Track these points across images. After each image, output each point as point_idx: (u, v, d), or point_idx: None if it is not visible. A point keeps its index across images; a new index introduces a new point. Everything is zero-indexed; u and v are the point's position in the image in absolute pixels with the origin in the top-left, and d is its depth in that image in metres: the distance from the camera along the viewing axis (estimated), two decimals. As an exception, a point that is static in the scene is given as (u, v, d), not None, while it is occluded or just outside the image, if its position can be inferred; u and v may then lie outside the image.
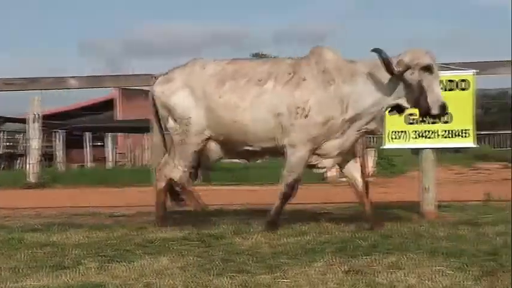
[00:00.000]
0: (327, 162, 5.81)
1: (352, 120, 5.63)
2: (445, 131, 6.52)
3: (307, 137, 5.65)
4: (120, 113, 32.39)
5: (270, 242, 5.05)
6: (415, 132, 6.57)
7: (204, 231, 5.54)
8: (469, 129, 6.51)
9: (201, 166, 6.39)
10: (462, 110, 6.47)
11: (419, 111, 5.60)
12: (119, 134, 29.18)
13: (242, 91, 5.81)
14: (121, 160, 26.74)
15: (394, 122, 6.52)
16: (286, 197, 5.81)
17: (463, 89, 6.53)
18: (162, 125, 6.22)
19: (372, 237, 5.03)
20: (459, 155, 21.31)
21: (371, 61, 5.63)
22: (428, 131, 6.54)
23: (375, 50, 5.46)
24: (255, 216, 6.22)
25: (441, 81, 6.07)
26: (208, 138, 5.95)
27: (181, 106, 5.96)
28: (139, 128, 21.85)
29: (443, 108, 5.46)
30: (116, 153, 27.65)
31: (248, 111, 5.76)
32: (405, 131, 6.58)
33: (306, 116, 5.63)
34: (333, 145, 5.69)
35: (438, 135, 6.53)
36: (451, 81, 6.52)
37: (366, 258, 4.26)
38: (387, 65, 5.40)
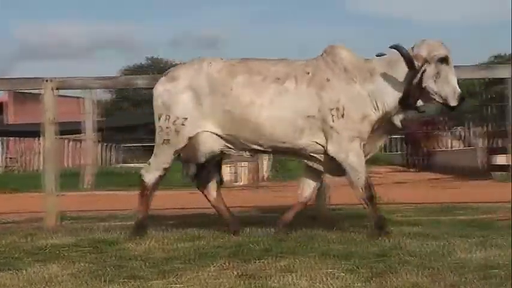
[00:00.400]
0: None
1: (381, 118, 5.55)
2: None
3: (352, 134, 5.48)
4: (11, 117, 31.46)
5: (164, 247, 4.99)
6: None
7: (96, 236, 5.42)
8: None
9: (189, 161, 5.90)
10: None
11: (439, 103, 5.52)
12: (10, 138, 28.22)
13: (259, 87, 5.55)
14: (11, 165, 25.88)
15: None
16: (371, 198, 5.55)
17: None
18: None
19: (265, 241, 5.05)
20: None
21: (385, 59, 5.62)
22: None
23: (395, 47, 5.42)
24: (149, 221, 6.10)
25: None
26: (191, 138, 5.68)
27: (183, 106, 5.68)
28: (31, 132, 21.21)
29: (462, 99, 5.41)
30: (6, 157, 26.72)
31: (266, 108, 5.52)
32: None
33: (343, 116, 5.47)
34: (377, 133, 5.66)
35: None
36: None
37: (259, 262, 4.28)
38: (409, 60, 5.35)
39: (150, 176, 5.73)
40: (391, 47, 5.44)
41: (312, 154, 5.60)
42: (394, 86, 5.47)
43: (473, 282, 3.63)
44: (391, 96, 5.48)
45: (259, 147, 5.71)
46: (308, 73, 5.56)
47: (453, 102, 5.37)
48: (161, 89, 5.78)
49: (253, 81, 5.57)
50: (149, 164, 5.78)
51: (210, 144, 5.67)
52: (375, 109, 5.50)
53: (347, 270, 4.01)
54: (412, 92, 5.36)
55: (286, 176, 16.90)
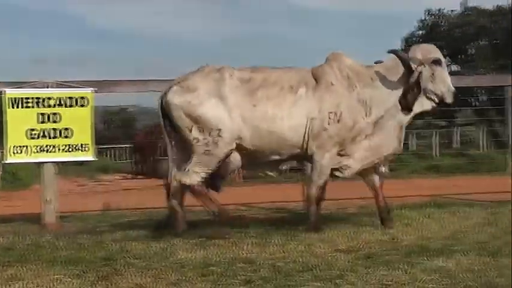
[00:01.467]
0: (350, 162, 5.80)
1: (376, 121, 5.75)
2: (66, 146, 6.69)
3: (337, 140, 5.70)
4: None
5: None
6: (37, 147, 6.63)
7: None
8: (88, 144, 6.77)
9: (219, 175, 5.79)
10: (82, 125, 6.71)
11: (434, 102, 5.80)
12: None
13: (278, 99, 5.68)
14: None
15: (15, 137, 6.55)
16: (320, 199, 5.80)
17: (82, 106, 6.73)
18: (177, 134, 5.77)
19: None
20: (83, 167, 21.66)
21: (383, 65, 5.91)
22: (49, 146, 6.64)
23: (393, 51, 5.82)
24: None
25: (61, 99, 6.41)
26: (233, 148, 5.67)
27: (212, 116, 5.59)
28: None
29: (456, 96, 5.79)
30: None
31: (286, 120, 5.66)
32: (27, 146, 6.60)
33: (339, 121, 5.67)
34: (358, 147, 5.76)
35: (59, 149, 6.68)
36: (70, 98, 6.69)
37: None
38: (407, 63, 5.67)
39: (192, 178, 5.60)
40: (389, 52, 5.85)
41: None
42: (393, 90, 5.78)
43: (193, 279, 3.97)
44: (389, 100, 5.78)
45: (279, 157, 5.85)
46: (315, 79, 5.78)
47: (449, 100, 5.79)
48: (180, 100, 5.64)
49: (272, 93, 5.68)
50: (187, 170, 5.62)
51: (238, 158, 5.77)
52: (367, 115, 5.74)
53: (74, 275, 4.13)
54: (411, 93, 5.71)
55: (16, 185, 16.22)
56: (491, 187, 8.94)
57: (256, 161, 5.96)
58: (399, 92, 5.77)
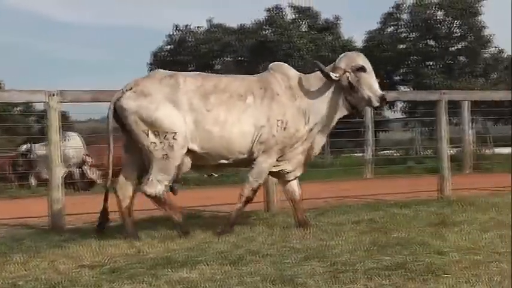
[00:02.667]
0: (289, 166, 6.21)
1: (312, 128, 6.17)
2: None
3: (280, 146, 6.08)
4: None
5: None
6: None
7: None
8: None
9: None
10: None
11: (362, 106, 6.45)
12: None
13: (228, 105, 5.93)
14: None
15: None
16: (248, 200, 6.16)
17: None
18: (128, 141, 5.94)
19: None
20: None
21: (317, 74, 6.21)
22: None
23: (314, 63, 6.19)
24: None
25: None
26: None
27: (168, 121, 5.75)
28: None
29: (384, 99, 6.16)
30: None
31: (236, 125, 5.92)
32: None
33: (285, 129, 6.03)
34: (296, 152, 6.18)
35: None
36: None
37: None
38: (325, 74, 6.07)
39: (157, 189, 5.79)
40: (313, 63, 6.27)
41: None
42: (326, 99, 6.18)
43: None
44: (324, 107, 6.18)
45: (225, 161, 6.08)
46: (261, 88, 6.09)
47: (375, 104, 6.16)
48: (134, 105, 5.74)
49: (223, 99, 5.94)
50: (150, 179, 5.78)
51: (188, 161, 5.96)
52: (306, 123, 6.14)
53: None
54: (349, 97, 6.14)
55: None
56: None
57: (205, 164, 6.19)
58: (332, 100, 6.19)
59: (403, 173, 15.05)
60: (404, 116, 34.17)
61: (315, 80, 6.27)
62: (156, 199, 5.85)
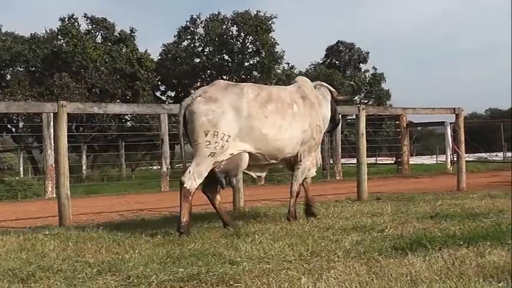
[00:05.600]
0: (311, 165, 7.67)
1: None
2: None
3: (317, 147, 7.56)
4: None
5: None
6: None
7: None
8: None
9: (230, 174, 6.77)
10: None
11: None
12: None
13: (282, 112, 6.92)
14: None
15: None
16: (298, 193, 7.41)
17: None
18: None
19: None
20: None
21: (321, 87, 7.93)
22: None
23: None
24: None
25: None
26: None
27: (228, 124, 6.57)
28: None
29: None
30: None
31: (288, 130, 6.95)
32: None
33: (321, 132, 7.49)
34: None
35: None
36: None
37: None
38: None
39: (192, 183, 6.47)
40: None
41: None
42: (329, 108, 7.82)
43: None
44: (328, 116, 7.81)
45: (274, 161, 7.11)
46: (300, 98, 7.26)
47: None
48: (205, 108, 6.53)
49: (278, 107, 6.93)
50: (189, 172, 6.48)
51: (247, 159, 6.79)
52: (323, 128, 7.64)
53: None
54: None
55: None
56: (27, 213, 8.98)
57: (255, 164, 6.99)
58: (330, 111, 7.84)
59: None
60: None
61: (320, 92, 7.76)
62: (186, 192, 6.47)
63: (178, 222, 6.46)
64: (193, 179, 6.48)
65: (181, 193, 6.48)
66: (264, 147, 6.82)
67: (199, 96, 6.66)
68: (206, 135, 6.50)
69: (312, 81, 7.87)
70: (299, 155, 7.20)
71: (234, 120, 6.60)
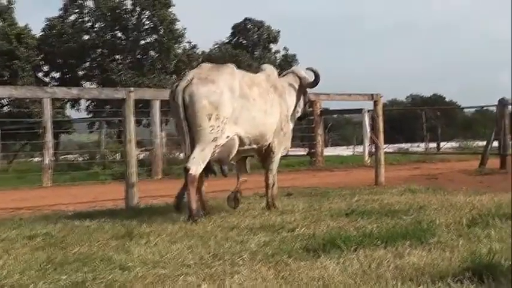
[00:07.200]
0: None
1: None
2: None
3: (284, 136, 8.13)
4: None
5: None
6: None
7: None
8: None
9: (223, 162, 7.58)
10: None
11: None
12: None
13: (265, 97, 7.63)
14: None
15: None
16: (274, 183, 8.12)
17: None
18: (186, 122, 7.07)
19: None
20: None
21: (290, 74, 8.57)
22: None
23: (310, 68, 8.52)
24: None
25: None
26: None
27: (226, 106, 7.07)
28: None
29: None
30: None
31: (269, 115, 7.66)
32: None
33: (288, 121, 8.15)
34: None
35: None
36: None
37: None
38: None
39: (197, 168, 7.01)
40: (307, 68, 8.58)
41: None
42: (294, 98, 8.35)
43: None
44: (293, 106, 8.30)
45: (255, 146, 7.64)
46: (272, 86, 7.82)
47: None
48: (205, 90, 6.99)
49: (261, 91, 7.54)
50: (194, 158, 7.00)
51: (237, 146, 7.36)
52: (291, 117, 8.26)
53: None
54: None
55: None
56: None
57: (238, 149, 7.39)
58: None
59: (87, 180, 15.08)
60: (90, 116, 34.25)
61: (289, 80, 8.37)
62: (191, 178, 6.95)
63: (190, 211, 6.95)
64: (198, 164, 6.99)
65: (187, 180, 6.98)
66: (251, 130, 7.42)
67: (194, 78, 7.07)
68: (209, 119, 6.96)
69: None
70: (271, 146, 7.86)
71: (229, 101, 7.10)
